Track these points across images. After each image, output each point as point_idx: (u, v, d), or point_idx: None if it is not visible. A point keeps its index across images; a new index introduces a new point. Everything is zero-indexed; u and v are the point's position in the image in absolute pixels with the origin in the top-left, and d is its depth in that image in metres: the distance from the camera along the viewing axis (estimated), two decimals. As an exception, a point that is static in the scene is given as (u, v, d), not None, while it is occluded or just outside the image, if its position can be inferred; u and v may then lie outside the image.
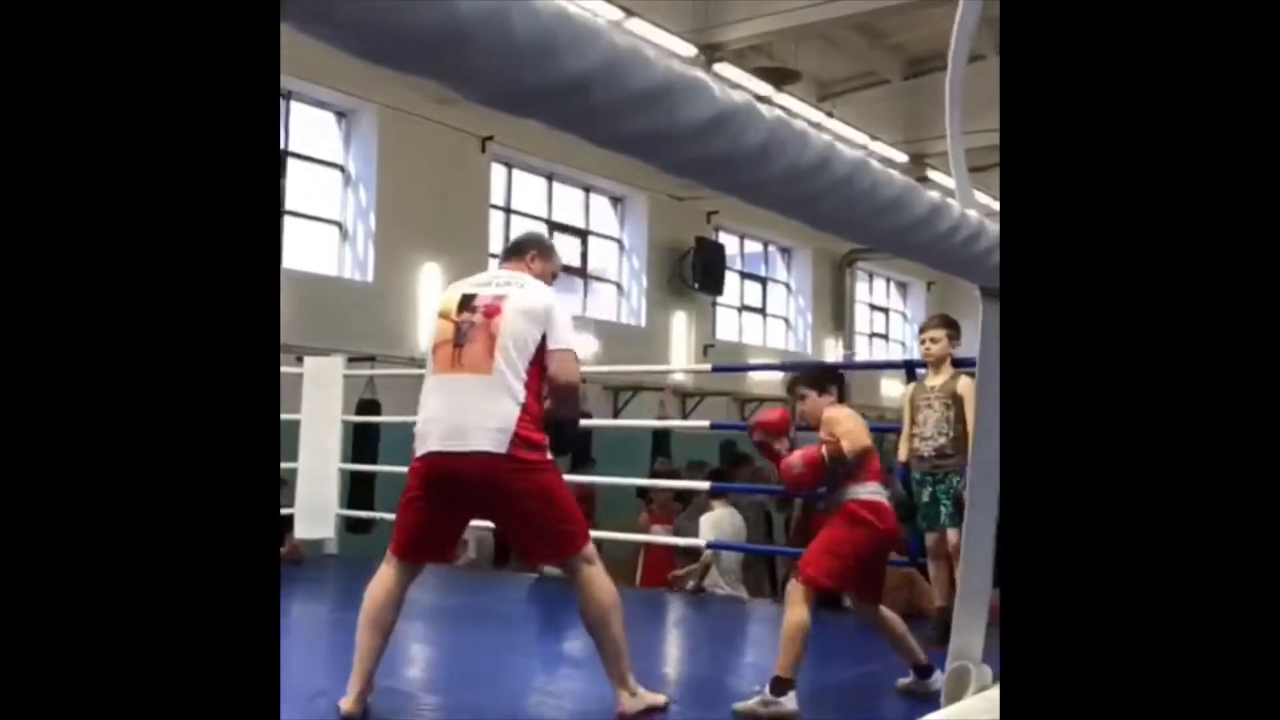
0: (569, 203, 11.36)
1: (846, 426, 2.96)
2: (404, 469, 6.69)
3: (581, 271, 11.43)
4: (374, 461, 6.93)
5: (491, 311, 2.71)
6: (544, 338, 2.69)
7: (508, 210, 10.62)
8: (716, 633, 4.85)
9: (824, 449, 2.92)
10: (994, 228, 1.25)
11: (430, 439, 2.73)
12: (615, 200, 11.85)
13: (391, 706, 2.89)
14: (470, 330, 2.71)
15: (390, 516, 6.72)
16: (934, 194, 1.13)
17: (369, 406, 7.26)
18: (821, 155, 0.94)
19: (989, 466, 1.47)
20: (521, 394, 2.65)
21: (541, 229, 10.96)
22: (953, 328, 4.00)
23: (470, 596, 5.48)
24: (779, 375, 12.52)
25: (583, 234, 11.47)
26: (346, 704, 2.68)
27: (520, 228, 10.79)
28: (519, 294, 2.73)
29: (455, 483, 2.70)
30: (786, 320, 14.29)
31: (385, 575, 2.80)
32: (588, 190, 11.50)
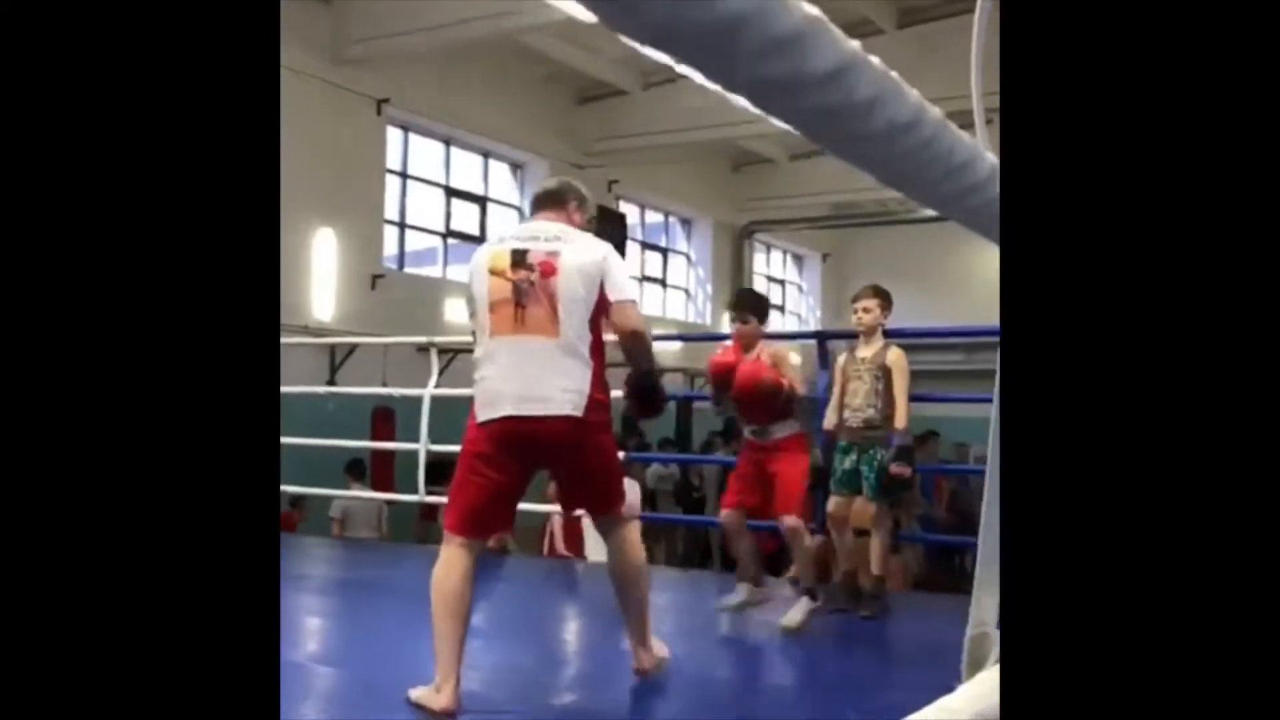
0: (467, 169, 11.15)
1: (798, 376, 3.71)
2: (304, 440, 6.49)
3: (480, 239, 11.25)
4: (274, 434, 6.69)
5: (548, 270, 2.64)
6: (601, 292, 2.65)
7: (404, 175, 10.36)
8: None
9: (786, 382, 3.63)
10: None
11: (503, 403, 2.61)
12: (515, 167, 11.68)
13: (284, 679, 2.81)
14: (530, 290, 2.63)
15: (295, 490, 6.49)
16: (992, 157, 1.10)
17: (267, 377, 7.01)
18: (915, 112, 0.89)
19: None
20: (588, 354, 2.63)
21: (439, 196, 10.75)
22: (884, 298, 4.03)
23: (373, 570, 5.38)
24: (677, 345, 12.60)
25: (481, 201, 11.28)
26: (443, 700, 2.49)
27: (417, 193, 10.54)
28: (572, 251, 2.67)
29: (531, 445, 2.63)
30: (687, 291, 14.35)
31: (454, 559, 2.61)
32: (486, 156, 11.30)
